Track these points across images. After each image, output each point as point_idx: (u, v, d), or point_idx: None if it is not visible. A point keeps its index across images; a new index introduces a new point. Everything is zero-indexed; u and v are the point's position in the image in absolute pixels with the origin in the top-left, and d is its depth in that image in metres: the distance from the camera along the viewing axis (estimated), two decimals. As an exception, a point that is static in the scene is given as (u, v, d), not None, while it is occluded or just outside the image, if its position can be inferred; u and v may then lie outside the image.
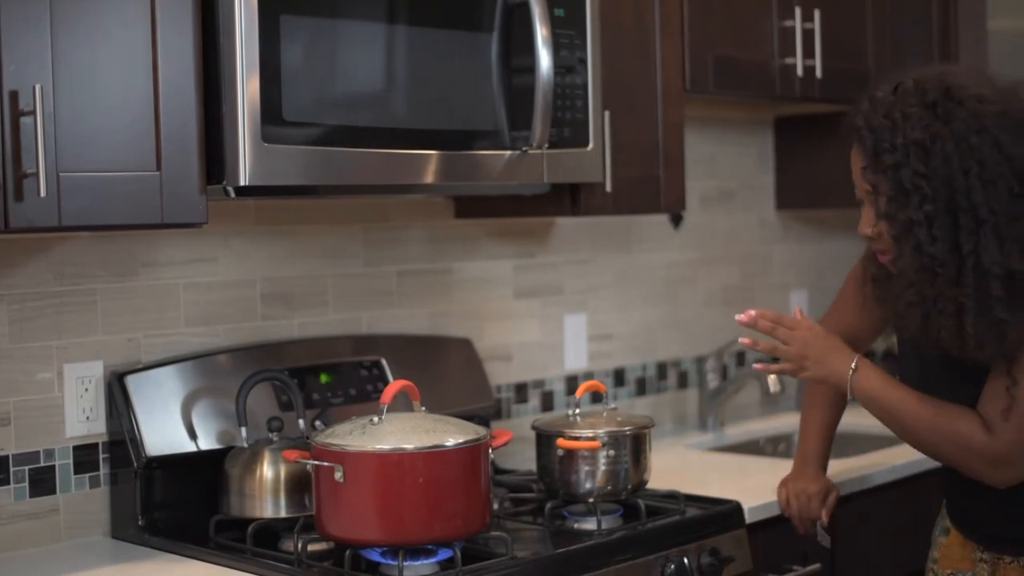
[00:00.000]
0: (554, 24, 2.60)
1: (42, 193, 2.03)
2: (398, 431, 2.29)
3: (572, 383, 3.39)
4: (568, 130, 2.70)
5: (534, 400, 3.34)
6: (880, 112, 2.28)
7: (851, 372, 2.38)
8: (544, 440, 2.66)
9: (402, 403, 2.41)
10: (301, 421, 2.61)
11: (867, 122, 2.29)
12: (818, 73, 3.40)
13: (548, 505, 2.63)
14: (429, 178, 2.49)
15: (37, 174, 2.03)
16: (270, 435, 2.56)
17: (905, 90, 2.28)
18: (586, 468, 2.61)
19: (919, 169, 2.22)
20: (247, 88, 2.21)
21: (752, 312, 2.44)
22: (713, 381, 3.65)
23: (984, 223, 2.20)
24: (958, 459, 2.34)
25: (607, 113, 2.85)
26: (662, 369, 3.67)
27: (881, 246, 2.33)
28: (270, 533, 2.50)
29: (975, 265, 2.20)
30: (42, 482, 2.52)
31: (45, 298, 2.52)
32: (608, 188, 2.91)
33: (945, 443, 2.34)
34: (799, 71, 3.37)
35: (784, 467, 2.82)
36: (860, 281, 2.56)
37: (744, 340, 2.45)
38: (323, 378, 2.77)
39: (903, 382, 2.41)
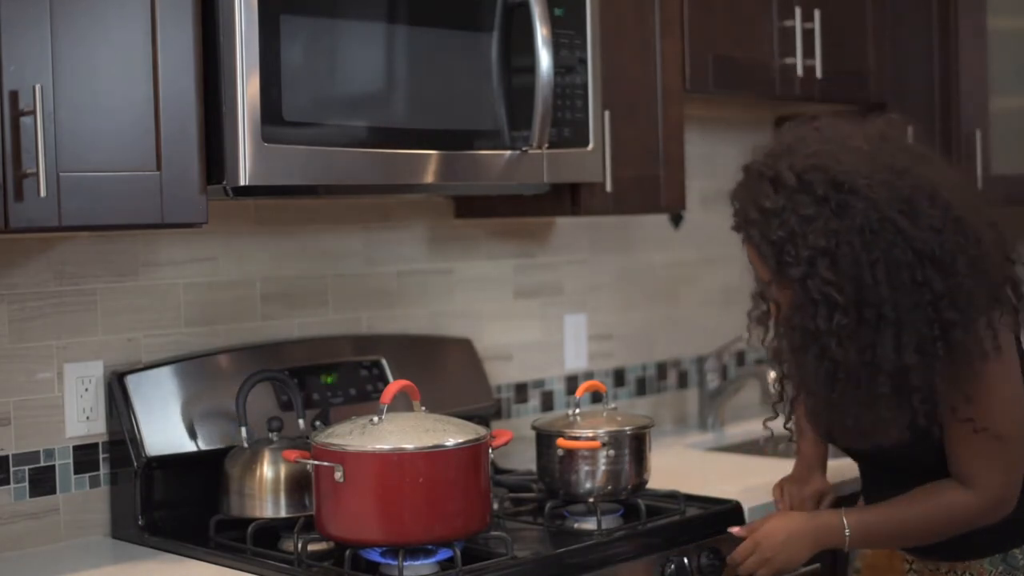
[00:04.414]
0: (554, 24, 2.60)
1: (42, 193, 2.03)
2: (398, 431, 2.29)
3: (572, 383, 3.39)
4: (568, 130, 2.70)
5: (534, 400, 3.34)
6: (775, 223, 2.18)
7: (846, 535, 2.34)
8: (544, 440, 2.66)
9: (402, 403, 2.41)
10: (301, 421, 2.61)
11: (764, 236, 2.20)
12: (818, 73, 3.40)
13: (548, 505, 2.63)
14: (429, 178, 2.49)
15: (37, 174, 2.03)
16: (270, 435, 2.55)
17: (788, 186, 2.17)
18: (586, 468, 2.61)
19: (828, 277, 2.14)
20: (247, 88, 2.21)
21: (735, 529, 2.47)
22: (713, 381, 3.65)
23: (885, 319, 2.13)
24: (963, 528, 2.30)
25: (607, 113, 2.85)
26: (662, 369, 3.67)
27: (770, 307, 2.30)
28: (270, 533, 2.50)
29: (869, 360, 2.15)
30: (42, 482, 2.52)
31: (45, 298, 2.52)
32: (608, 188, 2.91)
33: (945, 526, 2.30)
34: (799, 71, 3.37)
35: (784, 467, 2.81)
36: None
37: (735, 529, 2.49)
38: (323, 378, 2.77)
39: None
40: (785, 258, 2.17)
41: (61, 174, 2.08)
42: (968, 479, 2.26)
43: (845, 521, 2.35)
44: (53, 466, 2.53)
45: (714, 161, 3.81)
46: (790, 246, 2.16)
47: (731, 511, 2.70)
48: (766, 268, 2.24)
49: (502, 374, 3.26)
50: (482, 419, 2.95)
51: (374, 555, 2.32)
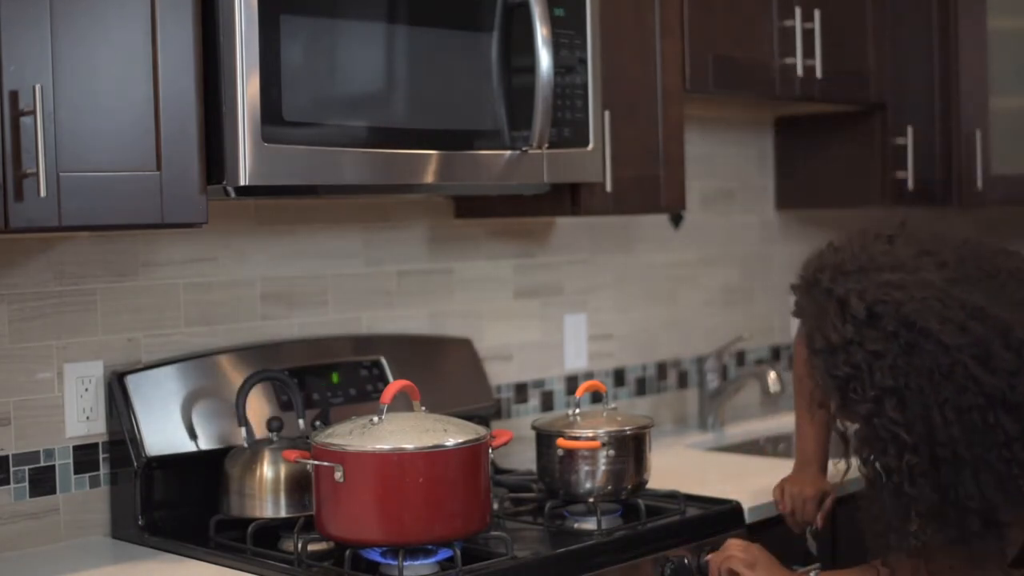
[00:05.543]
0: (554, 24, 2.60)
1: (42, 193, 2.03)
2: (398, 431, 2.29)
3: (572, 383, 3.39)
4: (568, 130, 2.70)
5: (534, 400, 3.34)
6: (840, 358, 2.14)
7: None
8: (544, 440, 2.66)
9: (402, 403, 2.41)
10: (301, 421, 2.61)
11: (828, 370, 2.16)
12: (818, 73, 3.40)
13: (548, 505, 2.63)
14: (429, 178, 2.49)
15: (37, 174, 2.03)
16: (270, 435, 2.56)
17: (857, 319, 2.13)
18: (586, 468, 2.61)
19: (896, 418, 2.10)
20: (247, 88, 2.21)
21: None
22: (713, 381, 3.65)
23: (961, 459, 2.09)
24: None
25: (607, 113, 2.85)
26: (662, 369, 3.67)
27: None
28: (270, 533, 2.50)
29: (954, 500, 2.12)
30: (42, 482, 2.52)
31: (45, 298, 2.52)
32: (608, 188, 2.91)
33: None
34: (799, 71, 3.37)
35: (784, 467, 2.82)
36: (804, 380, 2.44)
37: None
38: (323, 378, 2.77)
39: None
40: (850, 395, 2.14)
41: (61, 174, 2.08)
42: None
43: None
44: (53, 466, 2.53)
45: (714, 161, 3.81)
46: (856, 383, 2.13)
47: (731, 511, 2.70)
48: (830, 399, 2.22)
49: (502, 374, 3.26)
50: (482, 419, 2.95)
51: (374, 555, 2.32)
